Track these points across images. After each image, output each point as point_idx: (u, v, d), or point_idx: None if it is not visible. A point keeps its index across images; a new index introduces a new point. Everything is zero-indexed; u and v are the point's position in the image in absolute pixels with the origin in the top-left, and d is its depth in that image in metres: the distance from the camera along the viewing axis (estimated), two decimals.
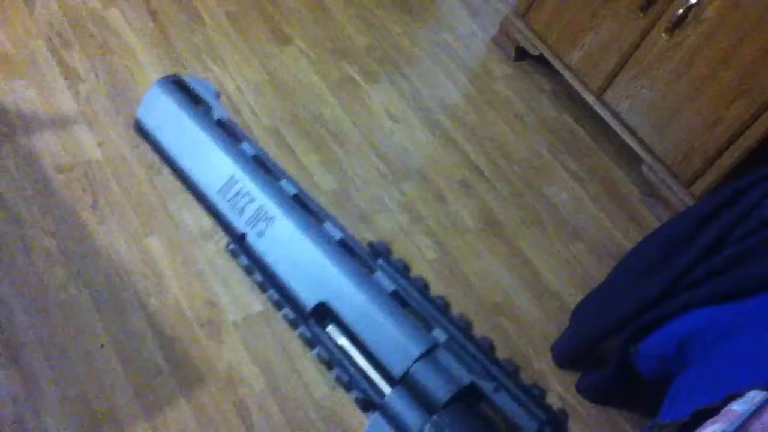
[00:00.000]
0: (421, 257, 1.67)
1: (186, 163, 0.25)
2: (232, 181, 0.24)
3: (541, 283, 1.75)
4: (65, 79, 1.71)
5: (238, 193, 0.24)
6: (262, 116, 1.84)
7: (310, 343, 0.23)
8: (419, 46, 2.32)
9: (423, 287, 0.25)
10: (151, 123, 0.27)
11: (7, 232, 1.38)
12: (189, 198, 1.56)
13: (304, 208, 0.27)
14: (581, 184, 2.06)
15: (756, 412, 0.81)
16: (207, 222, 1.53)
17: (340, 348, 0.21)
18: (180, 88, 0.29)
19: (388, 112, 2.03)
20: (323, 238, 0.26)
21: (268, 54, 2.03)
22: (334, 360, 0.22)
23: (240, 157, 0.26)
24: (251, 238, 0.24)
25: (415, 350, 0.20)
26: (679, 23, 1.82)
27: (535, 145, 2.12)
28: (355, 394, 0.22)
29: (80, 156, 1.56)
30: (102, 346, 1.30)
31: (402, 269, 0.26)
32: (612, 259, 1.83)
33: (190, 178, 0.26)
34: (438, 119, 2.07)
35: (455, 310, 1.26)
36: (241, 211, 0.24)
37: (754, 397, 0.84)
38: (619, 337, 1.39)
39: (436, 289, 1.58)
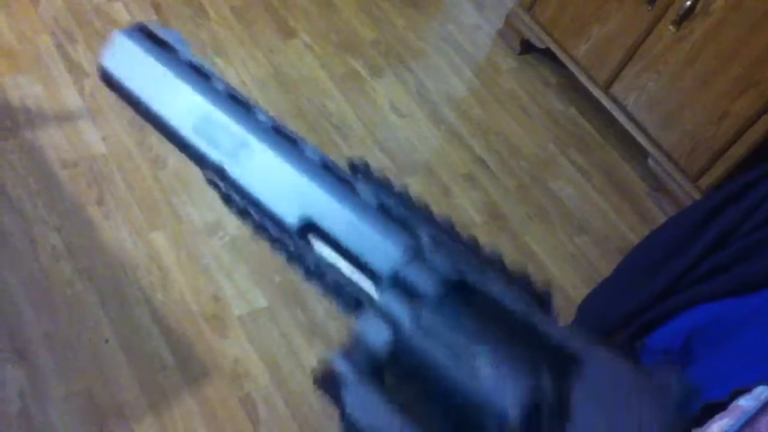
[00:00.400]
0: None
1: (157, 105, 0.25)
2: (205, 117, 0.24)
3: (547, 277, 1.74)
4: (70, 74, 1.71)
5: (212, 128, 0.24)
6: (263, 105, 1.83)
7: (297, 259, 0.23)
8: (424, 39, 2.31)
9: (405, 195, 0.25)
10: (118, 70, 0.27)
11: (12, 228, 1.38)
12: (193, 193, 1.56)
13: (282, 135, 0.27)
14: (587, 177, 2.05)
15: (763, 408, 0.80)
16: (212, 216, 1.53)
17: (326, 260, 0.21)
18: (147, 35, 0.29)
19: (393, 106, 2.02)
20: (303, 160, 0.26)
21: (273, 48, 2.03)
22: (321, 272, 0.22)
23: (212, 93, 0.26)
24: (229, 167, 0.24)
25: (400, 249, 0.21)
26: (686, 15, 1.80)
27: (540, 138, 2.11)
28: (344, 297, 0.22)
29: (85, 151, 1.56)
30: (107, 341, 1.31)
31: (384, 181, 0.26)
32: (618, 253, 1.82)
33: (163, 120, 0.26)
34: (443, 113, 2.07)
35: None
36: (218, 144, 0.24)
37: (761, 392, 0.84)
38: (626, 331, 1.38)
39: None
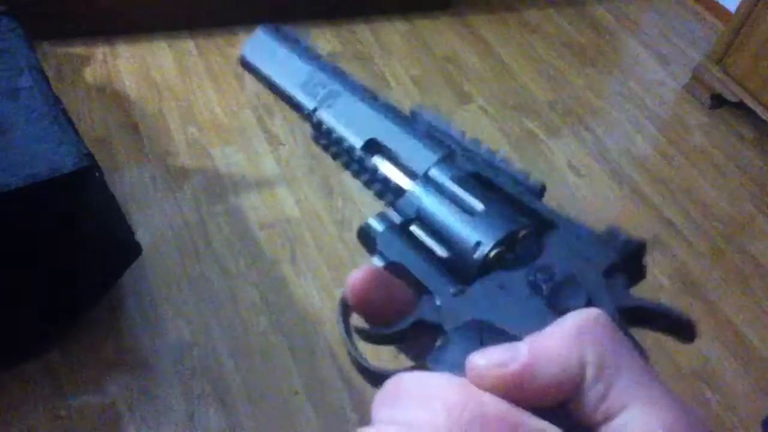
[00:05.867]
0: None
1: (281, 81, 0.33)
2: (311, 79, 0.31)
3: (749, 350, 1.58)
4: (268, 144, 1.89)
5: (314, 86, 0.32)
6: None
7: (361, 169, 0.30)
8: (604, 97, 2.26)
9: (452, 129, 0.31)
10: (254, 59, 0.36)
11: (218, 283, 1.53)
12: None
13: (362, 88, 0.34)
14: None
15: None
16: None
17: (380, 167, 0.29)
18: (277, 31, 0.38)
19: (571, 165, 1.99)
20: (373, 101, 0.33)
21: (450, 113, 2.10)
22: (376, 176, 0.28)
23: (313, 61, 0.33)
24: (320, 112, 0.31)
25: (435, 155, 0.30)
26: None
27: (736, 197, 1.95)
28: (391, 190, 0.27)
29: (280, 213, 1.70)
30: (296, 393, 1.38)
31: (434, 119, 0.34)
32: None
33: (284, 91, 0.34)
34: (626, 172, 1.99)
35: None
36: (315, 95, 0.32)
37: None
38: None
39: None
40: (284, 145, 1.89)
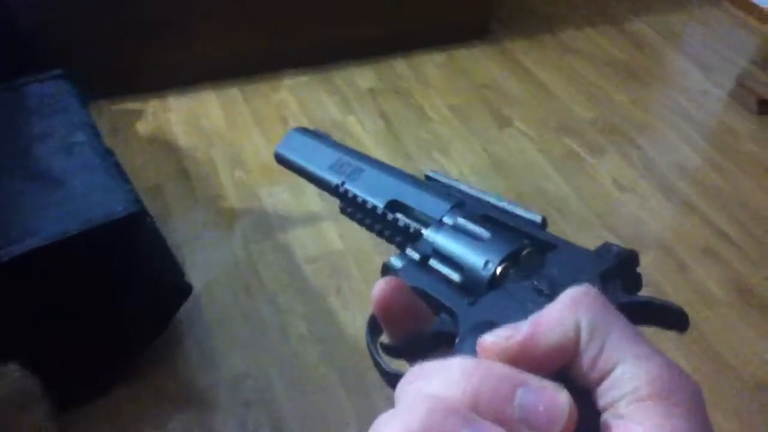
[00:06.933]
0: (664, 333, 1.55)
1: (312, 167, 0.37)
2: (337, 161, 0.37)
3: None
4: None
5: (341, 166, 0.37)
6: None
7: (386, 228, 0.34)
8: (648, 111, 2.24)
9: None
10: (287, 153, 0.41)
11: (267, 317, 1.58)
12: None
13: (380, 163, 0.38)
14: None
15: None
16: None
17: (403, 220, 0.34)
18: (307, 130, 0.43)
19: (616, 182, 1.97)
20: (390, 170, 0.38)
21: (490, 138, 2.11)
22: (399, 230, 0.33)
23: (339, 148, 0.38)
24: (346, 185, 0.36)
25: (447, 204, 0.34)
26: None
27: None
28: (411, 238, 0.32)
29: (325, 247, 1.74)
30: (348, 423, 1.40)
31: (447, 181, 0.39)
32: None
33: (314, 174, 0.39)
34: (674, 185, 1.96)
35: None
36: (342, 173, 0.37)
37: None
38: None
39: (686, 369, 1.45)
40: None
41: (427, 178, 0.41)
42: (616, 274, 0.31)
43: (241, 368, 1.48)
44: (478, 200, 0.38)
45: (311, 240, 1.77)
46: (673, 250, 1.77)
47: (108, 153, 1.36)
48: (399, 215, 0.40)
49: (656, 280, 1.68)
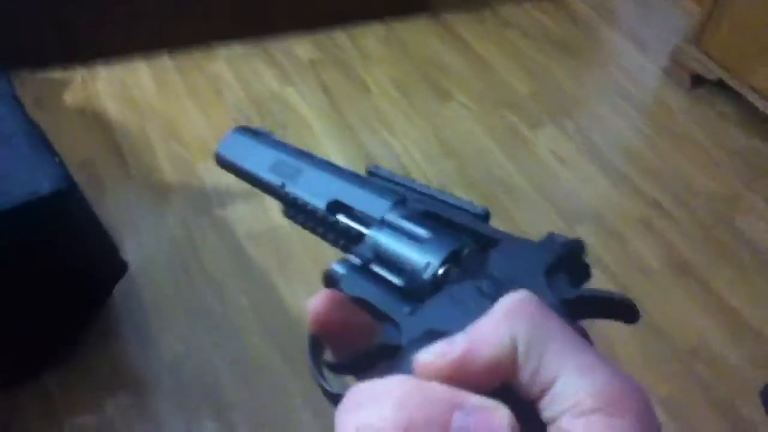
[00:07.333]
0: None
1: (252, 168, 0.36)
2: (277, 162, 0.36)
3: (742, 324, 1.58)
4: None
5: (281, 167, 0.36)
6: (428, 171, 1.89)
7: (327, 228, 0.33)
8: (585, 86, 2.27)
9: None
10: (228, 155, 0.40)
11: (207, 296, 1.53)
12: None
13: (322, 161, 0.37)
14: None
15: None
16: None
17: (346, 222, 0.34)
18: (247, 130, 0.41)
19: (555, 155, 1.99)
20: (333, 169, 0.37)
21: (432, 112, 2.10)
22: (340, 230, 0.32)
23: (280, 148, 0.36)
24: (287, 188, 0.34)
25: (389, 203, 0.33)
26: None
27: (722, 175, 1.96)
28: (351, 239, 0.31)
29: (268, 223, 1.71)
30: (293, 397, 1.38)
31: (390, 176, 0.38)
32: None
33: (255, 177, 0.37)
34: (610, 158, 2.00)
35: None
36: (282, 174, 0.36)
37: None
38: None
39: (621, 336, 1.49)
40: None
41: (369, 173, 0.40)
42: (562, 266, 0.30)
43: (180, 349, 1.44)
44: (420, 194, 0.37)
45: (252, 216, 1.72)
46: (610, 222, 1.81)
47: (33, 126, 1.28)
48: (340, 217, 0.39)
49: (595, 251, 1.72)
